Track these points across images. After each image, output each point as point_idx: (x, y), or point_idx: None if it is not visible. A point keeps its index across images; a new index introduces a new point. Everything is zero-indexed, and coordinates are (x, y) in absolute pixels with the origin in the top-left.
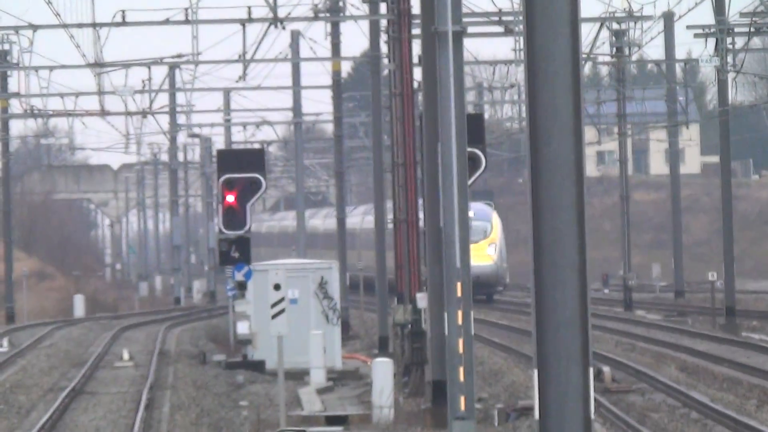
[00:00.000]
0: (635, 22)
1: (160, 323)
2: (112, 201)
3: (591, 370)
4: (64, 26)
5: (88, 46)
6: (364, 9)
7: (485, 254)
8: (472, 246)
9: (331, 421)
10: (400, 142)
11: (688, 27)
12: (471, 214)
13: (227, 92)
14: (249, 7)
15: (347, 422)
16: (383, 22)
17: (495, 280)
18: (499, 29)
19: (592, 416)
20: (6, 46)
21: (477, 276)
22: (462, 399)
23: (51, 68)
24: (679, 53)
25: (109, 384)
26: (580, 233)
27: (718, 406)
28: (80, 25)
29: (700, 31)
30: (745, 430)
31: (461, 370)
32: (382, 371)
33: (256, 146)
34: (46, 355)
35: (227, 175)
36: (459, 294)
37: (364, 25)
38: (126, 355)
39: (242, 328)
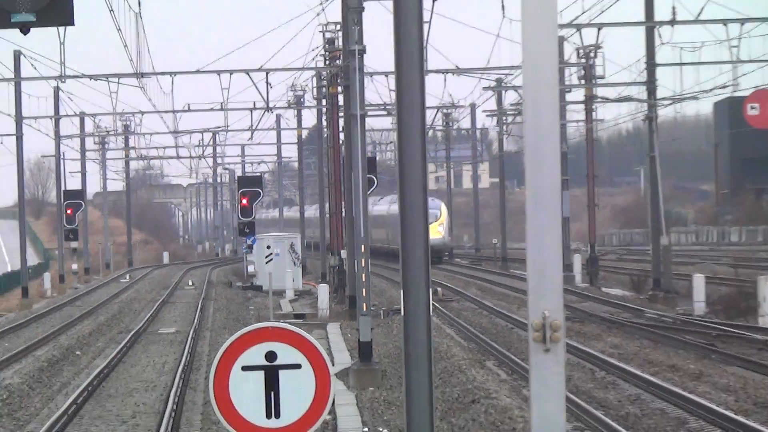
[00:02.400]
0: (455, 108)
1: (208, 266)
2: (183, 203)
3: (430, 290)
4: (157, 111)
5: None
6: (314, 102)
7: (437, 231)
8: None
9: (297, 316)
10: (332, 171)
11: (483, 111)
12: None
13: (243, 147)
14: (254, 102)
15: (305, 317)
16: (324, 109)
17: (443, 248)
18: (384, 113)
19: (431, 313)
20: (128, 122)
21: (431, 245)
22: (364, 305)
23: (152, 133)
24: (478, 124)
25: (182, 297)
26: (425, 220)
27: (498, 308)
28: (166, 111)
29: (489, 113)
30: (510, 318)
31: (363, 290)
32: (323, 291)
33: (257, 174)
34: (148, 283)
35: (243, 189)
36: (363, 250)
37: (314, 111)
38: (190, 282)
39: (251, 268)
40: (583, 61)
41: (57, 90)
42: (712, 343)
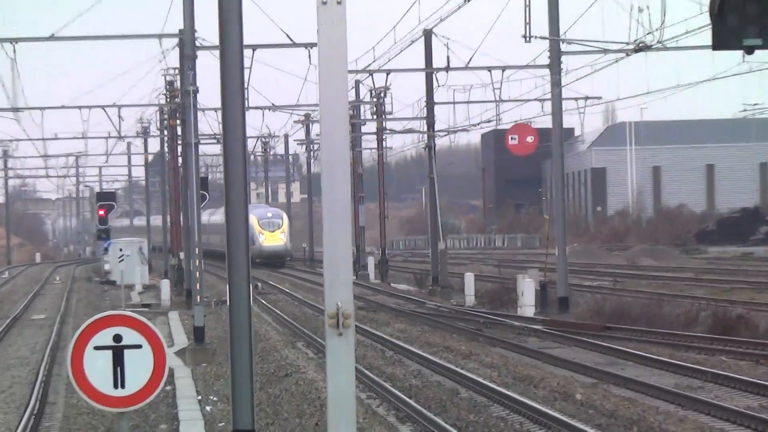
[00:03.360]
0: (272, 138)
1: (72, 265)
2: (51, 213)
3: (250, 285)
4: (30, 139)
5: (41, 147)
6: (158, 132)
7: (279, 238)
8: (269, 233)
9: (144, 306)
10: (172, 188)
11: (294, 140)
12: (269, 214)
13: (100, 168)
14: (109, 132)
15: (151, 306)
16: (166, 138)
17: (285, 254)
18: (214, 141)
19: (251, 303)
20: (6, 147)
21: (274, 251)
22: (198, 297)
23: (26, 157)
24: (291, 150)
25: (51, 290)
26: (246, 228)
27: (306, 300)
28: (37, 139)
29: (299, 141)
30: (316, 308)
31: (198, 284)
32: (165, 285)
33: (112, 191)
34: (23, 278)
35: (101, 202)
36: (197, 252)
37: (158, 139)
38: (57, 278)
39: (107, 266)
40: (375, 100)
41: None
42: (479, 329)
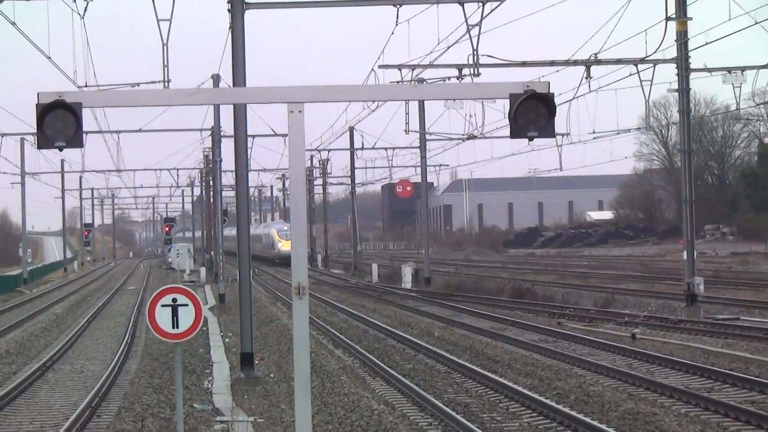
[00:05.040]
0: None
1: (151, 259)
2: (139, 229)
3: (251, 270)
4: (128, 188)
5: (129, 182)
6: (200, 184)
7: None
8: (285, 241)
9: (191, 281)
10: (207, 215)
11: (278, 187)
12: (285, 228)
13: (167, 204)
14: (171, 184)
15: (194, 282)
16: (204, 186)
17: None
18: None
19: (251, 280)
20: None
21: (288, 254)
22: (221, 276)
23: (122, 197)
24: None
25: (138, 272)
26: (248, 237)
27: (284, 279)
28: (130, 188)
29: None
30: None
31: (221, 269)
32: (203, 270)
33: (173, 217)
34: (122, 266)
35: (166, 223)
36: (220, 251)
37: (199, 188)
38: (142, 266)
39: (169, 260)
40: (321, 166)
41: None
42: (380, 295)
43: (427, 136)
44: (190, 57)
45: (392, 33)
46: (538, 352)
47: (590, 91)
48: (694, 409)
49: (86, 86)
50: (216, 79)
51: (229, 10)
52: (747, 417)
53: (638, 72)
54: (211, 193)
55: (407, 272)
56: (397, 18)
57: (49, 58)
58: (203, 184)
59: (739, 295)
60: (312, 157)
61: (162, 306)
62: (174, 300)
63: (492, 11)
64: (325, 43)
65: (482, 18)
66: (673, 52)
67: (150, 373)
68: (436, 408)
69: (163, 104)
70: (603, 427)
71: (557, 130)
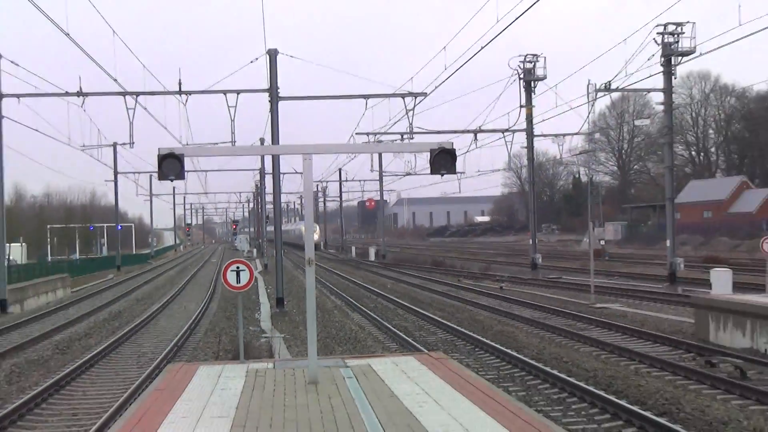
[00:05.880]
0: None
1: (225, 244)
2: (218, 226)
3: (282, 250)
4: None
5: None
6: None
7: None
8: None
9: (248, 258)
10: (257, 218)
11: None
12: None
13: (234, 211)
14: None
15: (251, 257)
16: (259, 200)
17: (318, 243)
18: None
19: (282, 256)
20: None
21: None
22: (264, 254)
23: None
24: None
25: (216, 253)
26: (280, 231)
27: (302, 256)
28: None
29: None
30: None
31: (264, 249)
32: (255, 250)
33: (237, 219)
34: (208, 250)
35: (234, 223)
36: (264, 239)
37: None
38: (219, 248)
39: (236, 244)
40: (322, 190)
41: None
42: (357, 265)
43: (384, 173)
44: (248, 125)
45: (363, 114)
46: (447, 297)
47: (477, 147)
48: (536, 330)
49: (186, 144)
50: (262, 141)
51: (269, 100)
52: (566, 334)
53: (504, 137)
54: (258, 206)
55: (372, 252)
56: (366, 105)
57: (165, 128)
58: (255, 200)
59: (561, 264)
60: (317, 185)
61: (231, 271)
62: (237, 267)
63: (420, 101)
64: (325, 118)
65: (414, 105)
66: (524, 125)
67: (224, 309)
68: (388, 329)
69: (230, 155)
70: (486, 340)
71: (458, 169)
